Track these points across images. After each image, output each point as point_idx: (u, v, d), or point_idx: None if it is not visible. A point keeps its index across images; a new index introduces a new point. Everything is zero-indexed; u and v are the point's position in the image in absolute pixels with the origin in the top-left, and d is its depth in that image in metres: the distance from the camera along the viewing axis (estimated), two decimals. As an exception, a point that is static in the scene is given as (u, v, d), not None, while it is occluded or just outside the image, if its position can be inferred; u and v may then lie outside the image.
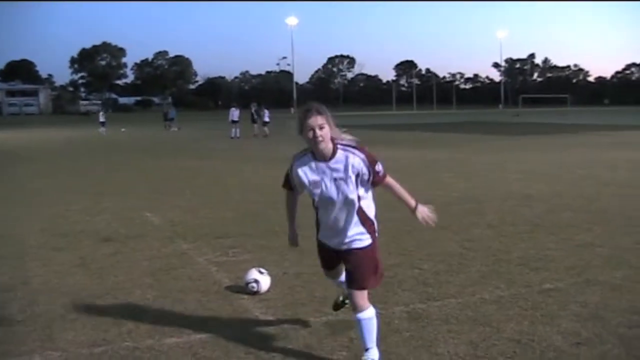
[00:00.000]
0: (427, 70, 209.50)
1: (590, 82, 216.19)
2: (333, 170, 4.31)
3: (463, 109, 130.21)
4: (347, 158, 4.30)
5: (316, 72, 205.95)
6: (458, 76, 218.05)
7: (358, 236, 4.43)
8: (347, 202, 4.35)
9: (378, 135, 35.33)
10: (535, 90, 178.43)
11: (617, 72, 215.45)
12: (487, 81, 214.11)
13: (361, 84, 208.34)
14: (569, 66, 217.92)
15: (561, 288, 6.40)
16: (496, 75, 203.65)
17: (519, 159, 21.02)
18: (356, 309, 4.44)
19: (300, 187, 4.51)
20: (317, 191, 4.38)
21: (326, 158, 4.31)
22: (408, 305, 5.93)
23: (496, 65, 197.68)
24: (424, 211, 4.54)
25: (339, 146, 4.32)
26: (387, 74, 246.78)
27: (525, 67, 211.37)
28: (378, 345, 4.56)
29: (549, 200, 11.87)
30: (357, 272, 4.43)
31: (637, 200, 11.84)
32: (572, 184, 14.28)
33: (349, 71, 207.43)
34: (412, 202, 4.52)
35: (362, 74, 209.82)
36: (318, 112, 4.25)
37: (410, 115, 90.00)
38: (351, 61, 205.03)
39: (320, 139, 4.21)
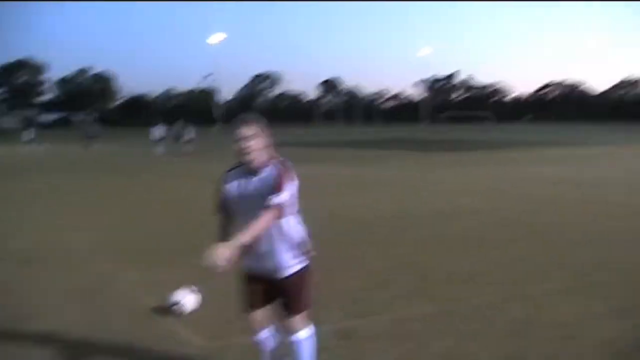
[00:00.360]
0: (351, 88, 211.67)
1: (510, 100, 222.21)
2: (260, 185, 4.07)
3: (387, 127, 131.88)
4: (272, 172, 4.09)
5: (241, 89, 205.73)
6: (382, 94, 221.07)
7: (291, 261, 4.20)
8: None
9: (302, 153, 35.37)
10: (458, 107, 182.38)
11: (536, 90, 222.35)
12: (410, 99, 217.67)
13: (286, 102, 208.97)
14: (490, 84, 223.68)
15: (487, 303, 6.50)
16: (419, 93, 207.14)
17: (444, 175, 21.39)
18: (294, 331, 4.28)
19: (230, 205, 4.24)
20: (243, 207, 4.12)
21: (255, 172, 4.10)
22: (336, 323, 5.92)
23: (419, 83, 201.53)
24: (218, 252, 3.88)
25: (272, 162, 4.13)
26: (311, 92, 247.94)
27: (448, 85, 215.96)
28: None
29: (476, 215, 12.10)
30: (295, 299, 4.26)
31: (557, 215, 12.16)
32: (498, 199, 14.59)
33: (274, 89, 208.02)
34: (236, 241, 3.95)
35: (287, 92, 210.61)
36: (248, 123, 4.08)
37: (335, 132, 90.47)
38: (275, 79, 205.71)
39: (247, 150, 4.02)
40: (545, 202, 13.98)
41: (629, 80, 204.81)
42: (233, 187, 4.18)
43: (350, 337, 5.53)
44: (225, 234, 4.22)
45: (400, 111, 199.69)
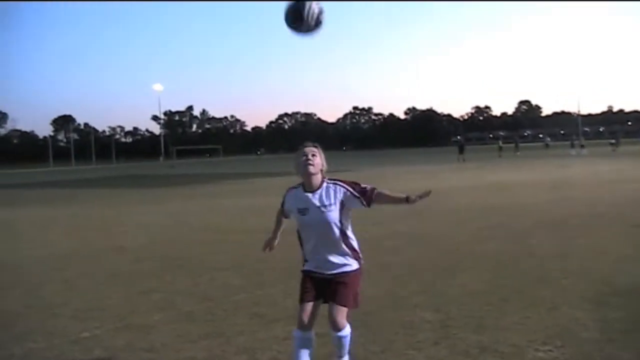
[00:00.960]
0: (86, 124, 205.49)
1: (247, 132, 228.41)
2: (319, 199, 4.79)
3: (124, 163, 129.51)
4: (329, 189, 4.83)
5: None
6: (118, 129, 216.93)
7: (345, 261, 4.87)
8: (331, 230, 4.79)
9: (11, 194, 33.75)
10: (196, 141, 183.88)
11: (272, 122, 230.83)
12: (148, 134, 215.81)
13: (15, 140, 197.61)
14: (226, 117, 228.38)
15: (98, 335, 6.72)
16: (156, 128, 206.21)
17: (139, 210, 21.53)
18: (336, 327, 4.78)
19: (289, 213, 5.07)
20: (304, 218, 4.83)
21: (313, 188, 4.84)
22: None
23: (155, 118, 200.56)
24: (416, 196, 4.78)
25: (326, 180, 4.88)
26: (44, 130, 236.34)
27: (185, 119, 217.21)
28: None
29: (138, 251, 12.34)
30: (340, 290, 4.79)
31: (229, 245, 12.81)
32: (170, 232, 15.02)
33: (2, 127, 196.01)
34: (403, 196, 4.80)
35: (16, 130, 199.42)
36: (313, 145, 4.92)
37: (67, 171, 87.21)
38: (3, 116, 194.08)
39: (310, 161, 4.78)
40: (239, 232, 14.65)
41: (360, 111, 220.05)
42: (294, 200, 4.95)
43: None
44: (277, 222, 5.35)
45: (139, 147, 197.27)
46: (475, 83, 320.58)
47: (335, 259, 4.87)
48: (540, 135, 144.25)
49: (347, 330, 4.87)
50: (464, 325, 6.41)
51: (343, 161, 69.21)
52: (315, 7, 5.03)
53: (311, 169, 4.82)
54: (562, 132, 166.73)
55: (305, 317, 4.80)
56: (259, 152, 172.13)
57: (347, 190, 4.84)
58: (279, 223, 5.37)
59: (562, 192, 21.17)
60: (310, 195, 4.85)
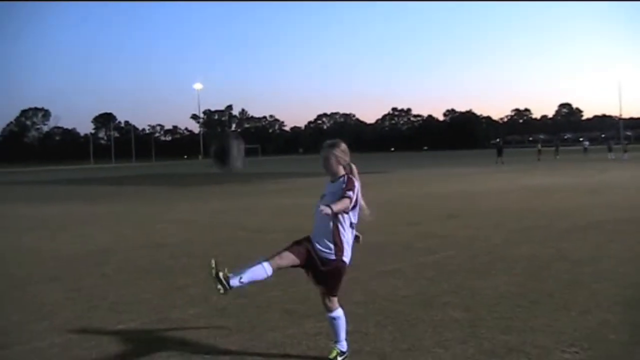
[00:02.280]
0: (127, 122, 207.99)
1: (286, 132, 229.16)
2: (331, 188, 5.50)
3: (163, 161, 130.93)
4: (342, 179, 5.48)
5: (8, 125, 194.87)
6: (158, 128, 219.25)
7: (327, 245, 5.39)
8: (324, 217, 5.27)
9: (52, 191, 34.40)
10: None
11: (310, 122, 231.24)
12: (187, 132, 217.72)
13: (58, 138, 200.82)
14: (265, 117, 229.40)
15: (133, 328, 6.94)
16: (196, 127, 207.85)
17: (178, 207, 21.89)
18: (330, 310, 5.53)
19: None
20: (320, 202, 5.38)
21: (332, 180, 5.58)
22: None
23: (195, 116, 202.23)
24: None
25: (345, 175, 5.50)
26: (86, 127, 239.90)
27: (224, 118, 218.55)
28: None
29: (175, 247, 12.62)
30: (326, 280, 5.45)
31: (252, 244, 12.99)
32: (208, 230, 15.25)
33: (44, 124, 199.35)
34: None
35: (59, 127, 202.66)
36: (328, 146, 5.60)
37: (107, 168, 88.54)
38: (46, 114, 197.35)
39: (324, 163, 5.57)
40: (269, 232, 14.82)
41: (399, 112, 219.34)
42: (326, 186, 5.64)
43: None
44: None
45: (178, 145, 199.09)
46: (516, 85, 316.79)
47: (321, 238, 5.43)
48: (581, 139, 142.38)
49: (338, 312, 5.54)
50: (493, 326, 6.47)
51: (378, 163, 69.15)
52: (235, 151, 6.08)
53: (326, 170, 5.62)
54: (603, 135, 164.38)
55: (280, 261, 5.37)
56: (300, 151, 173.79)
57: (344, 183, 5.44)
58: None
59: (599, 196, 21.00)
60: (330, 184, 5.60)
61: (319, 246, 5.41)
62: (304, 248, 5.43)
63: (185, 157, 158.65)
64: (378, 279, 8.99)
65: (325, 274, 5.42)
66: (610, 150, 67.20)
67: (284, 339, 6.31)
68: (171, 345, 6.25)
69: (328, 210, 5.10)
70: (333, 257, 5.39)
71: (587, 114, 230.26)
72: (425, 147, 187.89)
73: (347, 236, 5.47)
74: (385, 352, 5.75)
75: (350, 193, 5.32)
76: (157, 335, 6.65)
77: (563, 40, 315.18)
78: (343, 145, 5.62)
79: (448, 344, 5.93)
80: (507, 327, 6.43)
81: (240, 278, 5.26)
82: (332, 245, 5.39)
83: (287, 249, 5.43)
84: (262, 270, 5.28)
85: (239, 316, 7.27)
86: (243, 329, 6.72)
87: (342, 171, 5.57)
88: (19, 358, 6.05)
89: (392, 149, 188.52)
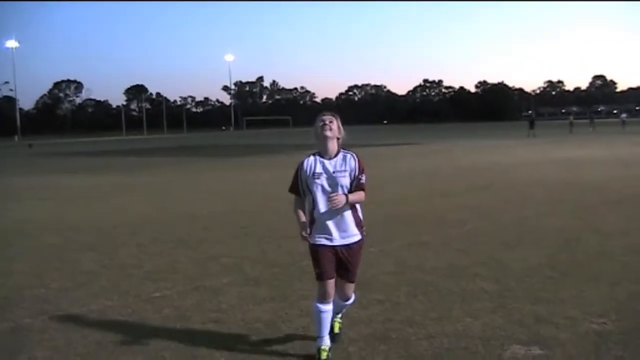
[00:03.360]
0: (158, 94, 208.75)
1: (316, 103, 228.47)
2: (334, 165, 5.04)
3: (195, 132, 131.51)
4: (345, 158, 5.08)
5: (41, 97, 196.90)
6: (189, 100, 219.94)
7: (351, 230, 5.09)
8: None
9: (89, 162, 34.83)
10: (265, 112, 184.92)
11: (341, 94, 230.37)
12: (218, 104, 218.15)
13: (90, 109, 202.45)
14: (295, 88, 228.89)
15: (169, 296, 7.12)
16: (227, 98, 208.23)
17: (211, 178, 22.11)
18: (346, 299, 5.33)
19: (305, 186, 5.13)
20: (318, 182, 5.03)
21: (330, 156, 5.10)
22: (21, 319, 6.31)
23: (226, 88, 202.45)
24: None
25: (342, 150, 5.11)
26: (117, 99, 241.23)
27: (255, 90, 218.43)
28: None
29: (208, 218, 12.83)
30: (352, 266, 5.16)
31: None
32: (241, 201, 15.43)
33: (77, 96, 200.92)
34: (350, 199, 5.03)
35: (91, 99, 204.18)
36: (332, 114, 5.17)
37: (140, 140, 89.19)
38: (79, 86, 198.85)
39: (327, 127, 5.03)
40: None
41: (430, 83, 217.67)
42: (310, 165, 5.11)
43: (21, 332, 5.92)
44: (299, 212, 5.24)
45: (209, 117, 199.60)
46: (548, 57, 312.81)
47: (342, 225, 5.07)
48: (615, 111, 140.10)
49: (353, 299, 5.44)
50: (522, 297, 6.55)
51: (411, 135, 68.88)
52: None
53: (328, 132, 5.06)
54: (637, 108, 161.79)
55: (328, 295, 5.06)
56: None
57: (356, 166, 5.07)
58: (301, 206, 5.27)
59: (633, 170, 20.79)
60: (327, 161, 5.10)
61: (345, 234, 5.08)
62: (330, 259, 5.06)
63: (224, 128, 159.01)
64: (409, 250, 9.09)
65: (356, 258, 5.16)
66: None
67: (316, 307, 6.43)
68: (206, 313, 6.41)
69: (342, 201, 4.89)
70: (360, 237, 5.15)
71: (621, 86, 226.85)
72: (455, 120, 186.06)
73: (362, 209, 5.25)
74: (416, 320, 5.87)
75: (365, 178, 5.08)
76: (192, 302, 6.81)
77: (596, 10, 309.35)
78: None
79: (477, 314, 6.02)
80: (536, 298, 6.50)
81: (323, 337, 5.08)
82: (357, 229, 5.13)
83: (324, 276, 5.05)
84: (327, 315, 5.07)
85: (272, 285, 7.41)
86: (275, 297, 6.87)
87: (337, 146, 5.14)
88: (58, 324, 6.24)
89: (425, 121, 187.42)
